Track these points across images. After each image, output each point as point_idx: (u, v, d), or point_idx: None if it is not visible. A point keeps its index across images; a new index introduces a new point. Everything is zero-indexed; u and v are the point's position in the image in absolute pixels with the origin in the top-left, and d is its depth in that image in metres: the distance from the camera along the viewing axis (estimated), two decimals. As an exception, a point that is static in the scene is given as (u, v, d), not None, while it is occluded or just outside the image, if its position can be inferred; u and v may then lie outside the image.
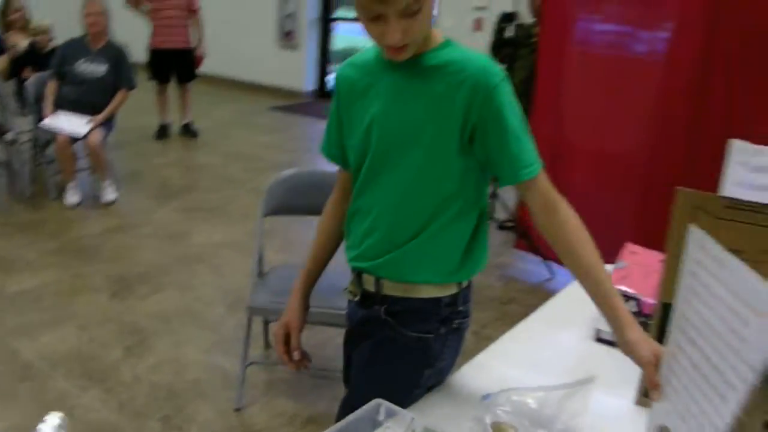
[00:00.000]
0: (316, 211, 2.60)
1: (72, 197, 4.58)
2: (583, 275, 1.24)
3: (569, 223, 1.26)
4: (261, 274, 2.72)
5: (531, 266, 3.94)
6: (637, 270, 1.72)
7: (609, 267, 1.46)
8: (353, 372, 1.51)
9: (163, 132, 6.58)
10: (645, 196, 3.61)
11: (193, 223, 4.39)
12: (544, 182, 1.29)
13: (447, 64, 1.30)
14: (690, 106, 3.42)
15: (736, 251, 1.25)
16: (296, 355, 1.51)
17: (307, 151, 6.74)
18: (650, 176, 3.56)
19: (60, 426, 1.09)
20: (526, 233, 3.99)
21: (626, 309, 1.19)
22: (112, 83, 4.67)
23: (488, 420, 1.23)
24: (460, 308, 1.41)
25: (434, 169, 1.33)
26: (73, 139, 4.45)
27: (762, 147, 1.61)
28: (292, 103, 8.77)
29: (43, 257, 3.78)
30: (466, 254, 1.38)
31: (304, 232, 4.22)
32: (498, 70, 1.27)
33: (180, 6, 6.29)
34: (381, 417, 1.16)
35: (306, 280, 1.56)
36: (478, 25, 7.53)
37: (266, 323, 2.93)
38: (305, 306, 1.55)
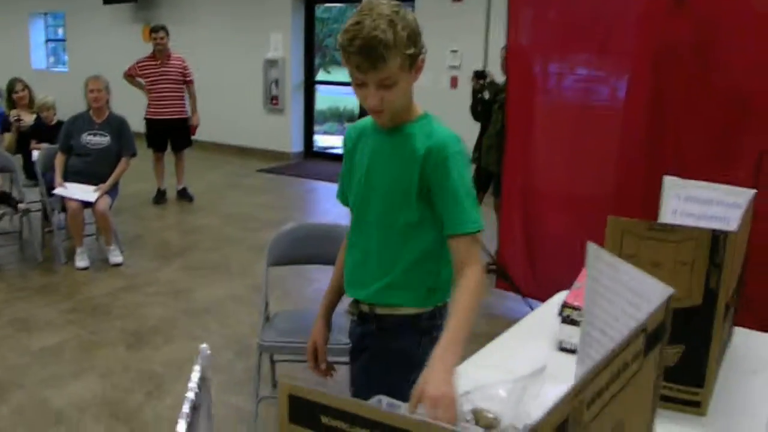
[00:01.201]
0: (315, 260, 2.96)
1: (81, 261, 4.88)
2: (451, 313, 1.57)
3: (465, 286, 1.59)
4: (267, 318, 3.03)
5: (512, 303, 4.27)
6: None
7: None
8: (356, 378, 1.85)
9: (160, 197, 6.92)
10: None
11: (196, 280, 4.70)
12: (466, 244, 1.63)
13: (417, 135, 1.69)
14: (646, 150, 3.81)
15: (656, 263, 1.60)
16: (323, 366, 1.87)
17: (297, 209, 7.10)
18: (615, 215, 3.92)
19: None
20: (506, 274, 4.32)
21: (446, 340, 1.50)
22: (116, 152, 5.03)
23: (467, 408, 1.54)
24: (438, 322, 1.75)
25: (403, 213, 1.71)
26: (84, 206, 4.79)
27: (690, 180, 1.97)
28: (280, 164, 9.16)
29: (61, 316, 4.07)
30: (437, 282, 1.74)
31: (300, 284, 4.53)
32: (454, 144, 1.67)
33: (175, 79, 6.71)
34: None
35: (327, 305, 1.93)
36: (454, 82, 8.00)
37: (273, 362, 3.22)
38: (328, 327, 1.92)
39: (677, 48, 3.70)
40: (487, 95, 5.03)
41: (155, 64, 6.68)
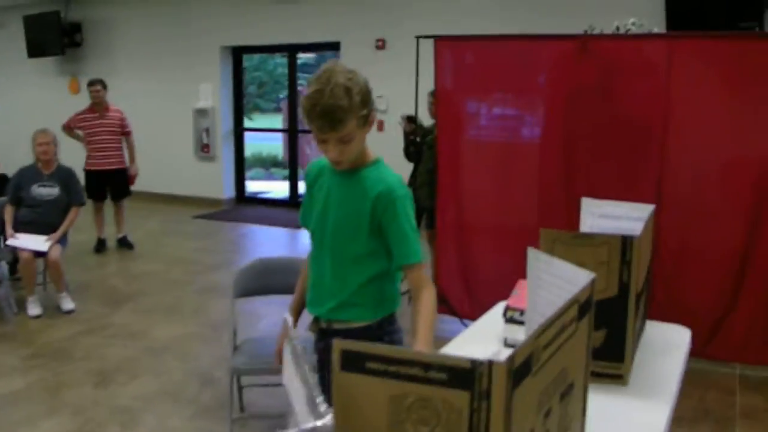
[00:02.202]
0: (276, 290, 3.26)
1: (34, 309, 4.99)
2: (417, 330, 2.00)
3: (422, 305, 2.03)
4: (235, 347, 3.30)
5: (450, 325, 4.63)
6: (523, 294, 2.43)
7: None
8: (325, 386, 2.16)
9: (101, 246, 7.03)
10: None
11: (150, 322, 4.89)
12: (417, 272, 2.05)
13: (370, 178, 2.06)
14: (563, 178, 4.29)
15: (580, 263, 1.99)
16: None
17: (235, 251, 7.34)
18: (537, 238, 4.37)
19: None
20: (444, 299, 4.69)
21: (420, 339, 1.97)
22: (65, 202, 5.20)
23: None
24: (387, 328, 2.11)
25: (353, 244, 2.08)
26: (36, 256, 4.92)
27: (603, 200, 2.39)
28: (214, 210, 9.37)
29: (23, 362, 4.20)
30: (383, 298, 2.13)
31: (253, 318, 4.79)
32: (400, 188, 2.07)
33: (114, 130, 6.90)
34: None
35: (295, 309, 2.26)
36: (380, 126, 8.42)
37: (240, 388, 3.47)
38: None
39: (584, 88, 4.22)
40: (417, 138, 5.46)
41: (94, 116, 6.86)
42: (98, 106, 6.89)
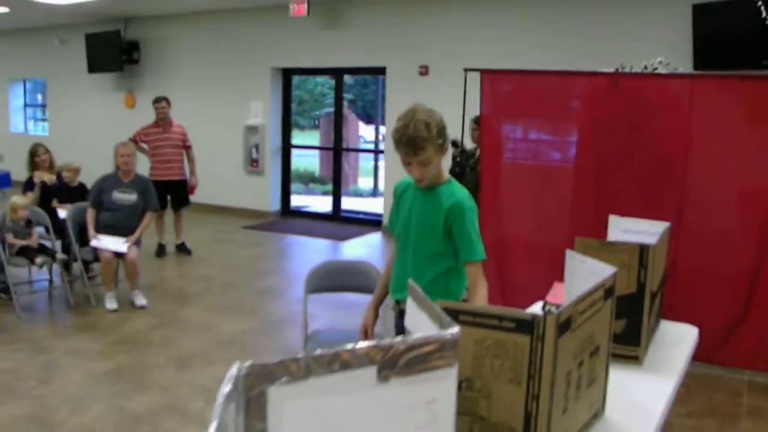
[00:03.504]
0: (343, 289, 3.77)
1: (111, 304, 5.57)
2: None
3: (477, 295, 2.56)
4: (306, 336, 3.82)
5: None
6: (559, 292, 2.93)
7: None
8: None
9: (161, 251, 7.62)
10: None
11: (217, 318, 5.44)
12: (476, 268, 2.59)
13: (444, 194, 2.63)
14: (593, 200, 4.77)
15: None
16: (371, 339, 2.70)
17: (285, 259, 7.92)
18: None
19: None
20: (482, 306, 5.17)
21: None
22: (141, 208, 5.80)
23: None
24: None
25: (430, 245, 2.64)
26: (116, 256, 5.51)
27: (626, 218, 2.88)
28: (260, 222, 9.95)
29: (110, 347, 4.77)
30: (449, 290, 2.64)
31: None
32: (467, 202, 2.63)
33: (176, 144, 7.51)
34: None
35: (376, 300, 2.83)
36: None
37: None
38: (376, 314, 2.75)
39: (613, 119, 4.73)
40: (459, 159, 5.99)
41: (158, 131, 7.47)
42: (162, 122, 7.51)
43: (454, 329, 1.21)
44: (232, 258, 7.66)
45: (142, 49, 11.24)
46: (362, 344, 1.07)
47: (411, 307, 1.55)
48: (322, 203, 11.87)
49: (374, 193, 14.67)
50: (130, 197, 5.77)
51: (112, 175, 5.87)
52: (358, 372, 1.08)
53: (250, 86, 10.25)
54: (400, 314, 2.70)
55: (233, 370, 0.98)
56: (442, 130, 2.50)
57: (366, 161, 16.43)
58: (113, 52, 11.08)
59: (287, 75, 10.38)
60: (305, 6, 8.77)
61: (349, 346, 1.06)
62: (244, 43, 10.20)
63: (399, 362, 1.11)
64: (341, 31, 9.35)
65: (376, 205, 11.60)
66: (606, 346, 1.98)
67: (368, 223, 9.99)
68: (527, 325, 1.55)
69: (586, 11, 7.59)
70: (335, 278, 3.88)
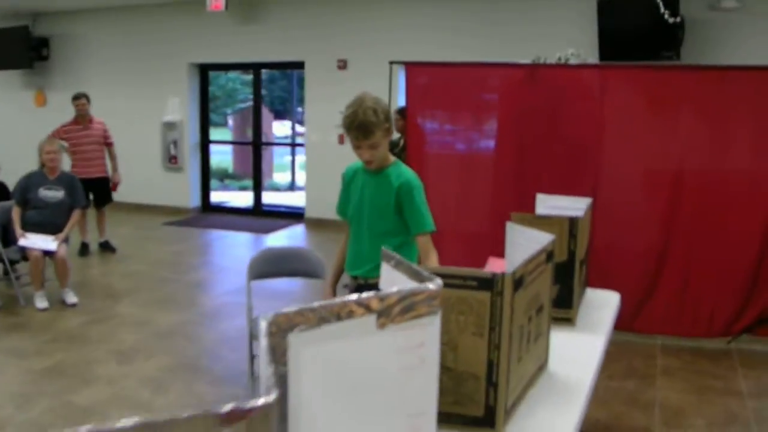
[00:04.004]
0: (282, 274, 3.91)
1: (42, 302, 5.51)
2: None
3: (429, 263, 2.77)
4: (251, 319, 3.94)
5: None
6: (495, 266, 3.18)
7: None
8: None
9: (85, 249, 7.52)
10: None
11: (151, 312, 5.47)
12: (427, 238, 2.83)
13: (392, 174, 2.83)
14: (514, 184, 5.06)
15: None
16: None
17: (210, 254, 7.96)
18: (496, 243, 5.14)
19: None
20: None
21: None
22: (69, 205, 5.75)
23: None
24: None
25: (383, 221, 2.80)
26: (44, 254, 5.45)
27: (552, 195, 3.15)
28: (181, 218, 9.90)
29: (46, 345, 4.74)
30: (406, 259, 2.82)
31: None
32: (414, 180, 2.84)
33: (97, 141, 7.42)
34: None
35: (333, 277, 3.03)
36: (341, 139, 9.13)
37: (252, 357, 4.11)
38: (333, 292, 2.93)
39: (531, 108, 5.03)
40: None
41: (78, 128, 7.37)
42: (82, 119, 7.41)
43: (438, 281, 1.40)
44: (157, 254, 7.64)
45: (52, 46, 10.93)
46: (364, 295, 1.25)
47: (387, 270, 1.74)
48: (239, 198, 11.88)
49: (292, 187, 14.73)
50: (56, 194, 5.71)
51: (38, 172, 5.79)
52: (361, 320, 1.26)
53: (166, 82, 10.16)
54: (357, 289, 2.88)
55: (263, 323, 1.13)
56: (387, 115, 2.71)
57: (279, 157, 16.46)
58: (21, 49, 10.73)
59: (204, 70, 10.34)
60: (222, 1, 8.80)
61: (354, 296, 1.24)
62: (160, 39, 10.09)
63: (393, 311, 1.30)
64: (259, 25, 9.41)
65: (296, 199, 11.71)
66: (548, 305, 2.23)
67: (290, 216, 10.11)
68: (488, 283, 1.76)
69: (501, 6, 7.94)
70: (278, 264, 4.02)
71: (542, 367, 2.23)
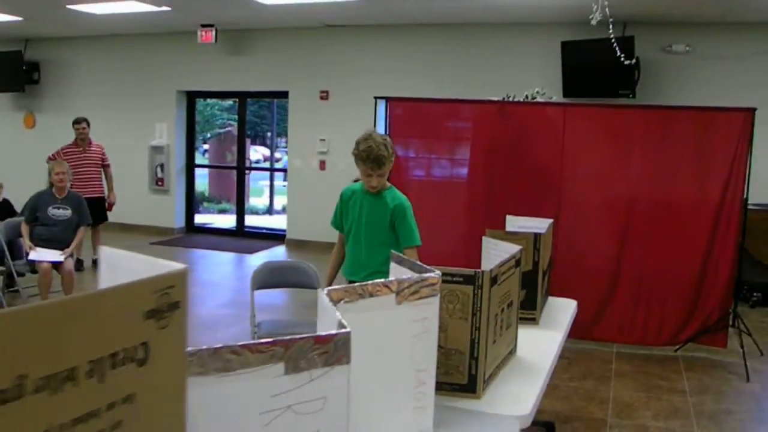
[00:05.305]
0: (283, 285, 4.41)
1: (49, 313, 5.91)
2: None
3: None
4: (255, 324, 4.43)
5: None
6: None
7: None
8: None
9: (79, 265, 7.89)
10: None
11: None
12: (414, 251, 3.38)
13: (388, 197, 3.40)
14: (485, 210, 5.64)
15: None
16: None
17: (199, 271, 8.41)
18: (470, 262, 5.70)
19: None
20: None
21: None
22: (76, 223, 6.20)
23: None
24: None
25: (380, 235, 3.35)
26: (53, 267, 5.89)
27: (520, 216, 3.71)
28: (167, 238, 10.33)
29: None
30: None
31: (243, 318, 5.89)
32: (406, 202, 3.40)
33: (95, 163, 7.88)
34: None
35: (329, 279, 3.56)
36: (322, 165, 9.67)
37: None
38: None
39: (502, 140, 5.63)
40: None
41: (78, 151, 7.82)
42: (82, 142, 7.87)
43: (437, 272, 1.94)
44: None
45: (43, 70, 11.33)
46: (389, 280, 1.79)
47: (394, 267, 2.27)
48: (220, 221, 12.34)
49: (270, 210, 15.19)
50: (65, 212, 6.16)
51: (47, 191, 6.24)
52: (385, 297, 1.79)
53: (155, 108, 10.62)
54: None
55: (323, 294, 1.64)
56: (392, 150, 3.28)
57: (254, 181, 16.94)
58: (13, 72, 11.14)
59: (192, 98, 10.83)
60: (213, 33, 9.34)
61: (380, 280, 1.78)
62: (150, 66, 10.57)
63: (406, 292, 1.84)
64: (246, 56, 9.95)
65: (274, 221, 12.21)
66: (516, 302, 2.78)
67: (271, 237, 10.58)
68: (471, 279, 2.31)
69: (475, 47, 8.59)
70: (279, 276, 4.52)
71: (512, 351, 2.77)
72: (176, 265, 1.09)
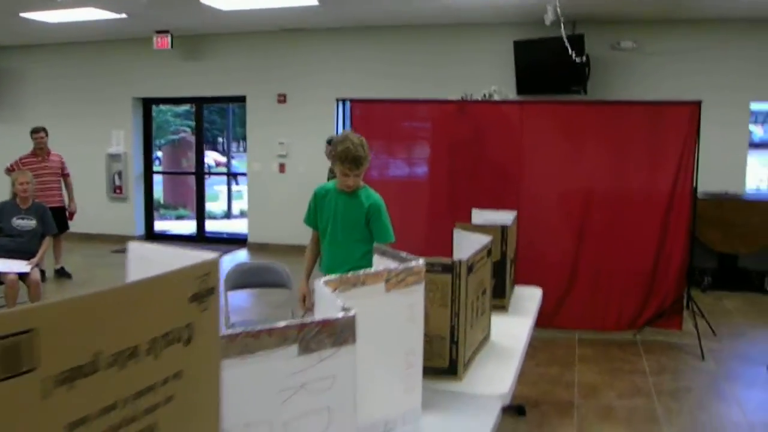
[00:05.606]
0: (255, 285, 4.49)
1: (16, 324, 5.89)
2: None
3: None
4: (228, 327, 4.52)
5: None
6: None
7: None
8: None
9: (41, 276, 7.85)
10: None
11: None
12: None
13: (363, 196, 3.52)
14: (447, 205, 5.81)
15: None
16: (310, 305, 3.49)
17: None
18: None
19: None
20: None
21: None
22: (41, 232, 6.18)
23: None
24: None
25: (356, 232, 3.48)
26: (20, 278, 5.87)
27: (485, 210, 3.88)
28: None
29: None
30: (371, 263, 3.51)
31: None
32: (380, 201, 3.54)
33: (55, 172, 7.83)
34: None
35: (306, 273, 3.64)
36: (282, 168, 9.75)
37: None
38: (309, 290, 3.57)
39: (462, 138, 5.81)
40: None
41: (37, 160, 7.76)
42: (41, 151, 7.81)
43: (421, 261, 2.09)
44: (112, 278, 7.98)
45: (-6, 79, 11.19)
46: (379, 269, 1.93)
47: (377, 258, 2.40)
48: (178, 227, 12.30)
49: (228, 215, 15.16)
50: (29, 223, 6.14)
51: (10, 202, 6.21)
52: (375, 286, 1.93)
53: (111, 115, 10.56)
54: None
55: (320, 283, 1.76)
56: (368, 151, 3.41)
57: (209, 187, 16.87)
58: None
59: (148, 104, 10.80)
60: (168, 39, 9.34)
61: (372, 270, 1.91)
62: (106, 73, 10.50)
63: (394, 280, 1.97)
64: (203, 62, 9.97)
65: (233, 226, 12.23)
66: (489, 290, 2.94)
67: (232, 241, 10.61)
68: (449, 268, 2.45)
69: (432, 47, 8.77)
70: (251, 276, 4.61)
71: (487, 336, 2.93)
72: (206, 254, 1.21)
